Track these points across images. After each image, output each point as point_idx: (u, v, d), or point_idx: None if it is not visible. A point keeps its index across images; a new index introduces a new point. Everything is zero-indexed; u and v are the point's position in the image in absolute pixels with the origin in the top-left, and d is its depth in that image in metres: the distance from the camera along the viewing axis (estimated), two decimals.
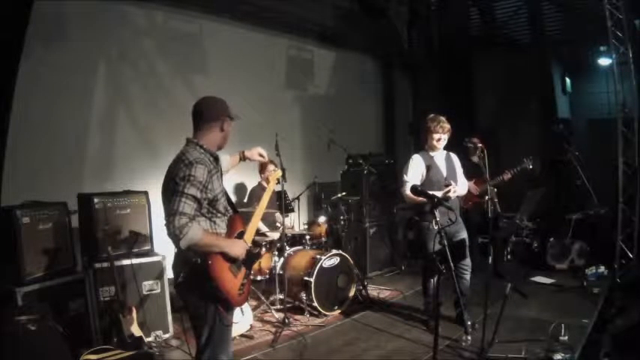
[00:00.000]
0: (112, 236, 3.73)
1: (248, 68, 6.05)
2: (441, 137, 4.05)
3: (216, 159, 2.46)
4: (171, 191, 2.22)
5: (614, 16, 5.29)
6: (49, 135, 4.30)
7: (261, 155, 2.83)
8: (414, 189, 3.48)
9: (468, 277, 4.11)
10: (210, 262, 2.25)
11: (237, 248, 2.38)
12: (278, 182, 3.27)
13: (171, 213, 2.17)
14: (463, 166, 4.37)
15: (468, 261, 4.09)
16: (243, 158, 2.83)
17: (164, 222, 2.22)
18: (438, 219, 3.12)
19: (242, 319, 4.00)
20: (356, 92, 7.85)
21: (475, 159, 5.20)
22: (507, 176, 5.28)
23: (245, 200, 5.54)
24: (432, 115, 4.11)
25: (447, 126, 4.04)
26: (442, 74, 8.23)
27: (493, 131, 7.35)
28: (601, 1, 5.28)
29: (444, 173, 4.09)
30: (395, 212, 6.49)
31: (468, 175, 4.78)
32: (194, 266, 2.28)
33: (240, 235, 2.47)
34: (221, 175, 2.51)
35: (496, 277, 5.26)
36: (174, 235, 2.15)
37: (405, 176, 4.07)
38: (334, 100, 7.39)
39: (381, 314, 4.63)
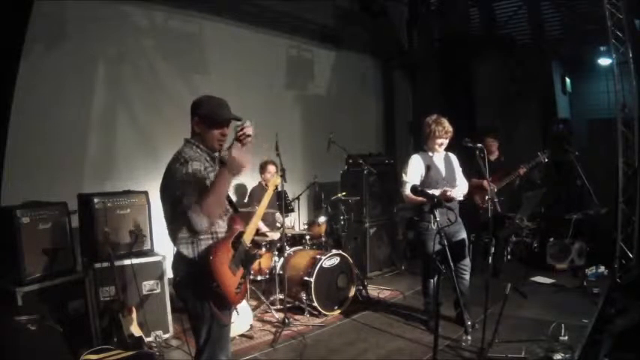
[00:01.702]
0: (112, 236, 3.73)
1: (248, 68, 6.05)
2: (443, 142, 4.05)
3: (213, 159, 2.45)
4: (171, 197, 2.24)
5: (614, 16, 5.28)
6: (49, 135, 4.30)
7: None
8: (414, 189, 3.48)
9: (467, 277, 4.12)
10: (212, 257, 2.25)
11: (237, 161, 2.21)
12: (277, 189, 3.29)
13: (175, 218, 2.22)
14: (474, 165, 4.35)
15: (467, 261, 4.09)
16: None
17: (166, 225, 2.25)
18: (437, 219, 3.12)
19: (239, 319, 4.00)
20: (356, 92, 7.85)
21: (494, 157, 5.19)
22: (523, 170, 5.31)
23: (245, 200, 5.54)
24: (434, 117, 4.06)
25: (450, 130, 4.02)
26: (442, 74, 8.23)
27: (493, 131, 7.34)
28: (601, 1, 5.28)
29: (443, 173, 4.09)
30: (395, 212, 6.49)
31: (482, 176, 4.78)
32: (192, 264, 2.29)
33: (240, 235, 2.47)
34: None
35: (496, 277, 5.26)
36: (194, 230, 2.21)
37: (404, 176, 4.06)
38: (334, 100, 7.39)
39: (381, 314, 4.63)
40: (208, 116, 2.38)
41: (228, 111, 2.42)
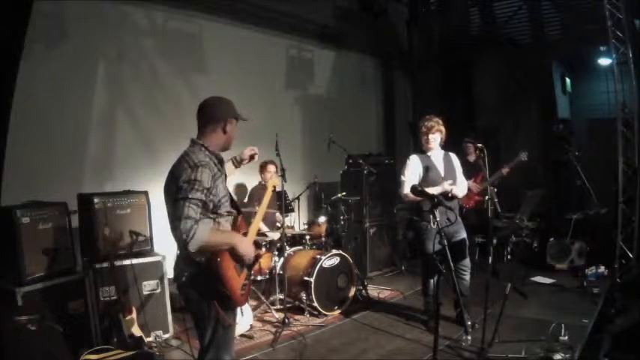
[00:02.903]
0: (112, 236, 3.73)
1: (248, 68, 6.04)
2: (429, 139, 4.05)
3: (221, 161, 2.45)
4: (175, 194, 2.21)
5: (614, 16, 5.29)
6: (49, 135, 4.29)
7: (251, 149, 2.79)
8: (414, 189, 3.48)
9: (467, 277, 4.11)
10: (219, 259, 2.25)
11: (246, 246, 2.37)
12: (275, 189, 3.27)
13: (176, 218, 2.16)
14: (462, 165, 4.37)
15: (467, 261, 4.09)
16: (237, 164, 2.79)
17: (170, 226, 2.21)
18: (438, 219, 3.12)
19: (242, 319, 4.00)
20: (356, 92, 7.85)
21: (473, 158, 5.21)
22: (506, 170, 5.33)
23: (245, 200, 5.54)
24: (426, 116, 4.13)
25: (433, 125, 4.03)
26: (442, 74, 8.24)
27: (493, 131, 7.35)
28: (601, 1, 5.28)
29: (442, 173, 4.08)
30: (395, 212, 6.49)
31: (468, 175, 4.80)
32: (198, 266, 2.28)
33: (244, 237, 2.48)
34: (225, 177, 2.49)
35: (494, 277, 5.26)
36: (182, 239, 2.13)
37: (402, 177, 4.07)
38: (334, 100, 7.39)
39: (381, 314, 4.63)
40: (235, 117, 2.45)
41: None
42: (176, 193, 2.20)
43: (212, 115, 2.40)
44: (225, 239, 2.31)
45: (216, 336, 2.35)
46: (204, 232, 2.17)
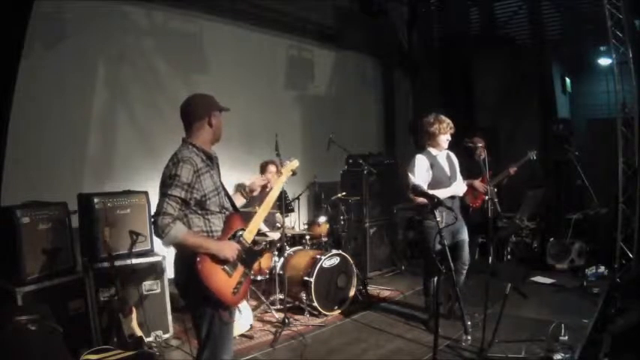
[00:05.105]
0: (112, 236, 3.73)
1: (248, 68, 6.05)
2: (449, 138, 4.05)
3: (210, 157, 2.45)
4: (160, 189, 2.28)
5: (614, 16, 5.29)
6: (49, 135, 4.30)
7: (263, 180, 2.88)
8: (414, 189, 3.47)
9: (463, 276, 4.12)
10: (198, 259, 2.25)
11: (227, 251, 2.33)
12: (294, 174, 3.09)
13: (155, 212, 2.22)
14: (467, 165, 4.37)
15: (467, 260, 4.09)
16: (246, 195, 2.79)
17: (151, 221, 2.26)
18: (438, 219, 3.12)
19: (241, 319, 4.00)
20: (356, 92, 7.85)
21: (482, 157, 5.16)
22: (513, 169, 5.32)
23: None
24: (434, 116, 4.07)
25: (452, 124, 4.04)
26: (442, 74, 8.24)
27: (493, 131, 7.34)
28: (601, 0, 5.28)
29: (448, 172, 4.09)
30: (395, 212, 6.49)
31: (474, 175, 4.79)
32: (188, 265, 2.28)
33: (237, 234, 2.46)
34: (217, 173, 2.50)
35: (494, 277, 5.26)
36: (158, 234, 2.21)
37: (412, 177, 4.02)
38: (334, 100, 7.39)
39: (381, 314, 4.63)
40: (218, 109, 2.48)
41: None
42: (161, 188, 2.28)
43: (195, 113, 2.45)
44: (201, 244, 2.28)
45: (212, 332, 2.35)
46: (178, 232, 2.20)
